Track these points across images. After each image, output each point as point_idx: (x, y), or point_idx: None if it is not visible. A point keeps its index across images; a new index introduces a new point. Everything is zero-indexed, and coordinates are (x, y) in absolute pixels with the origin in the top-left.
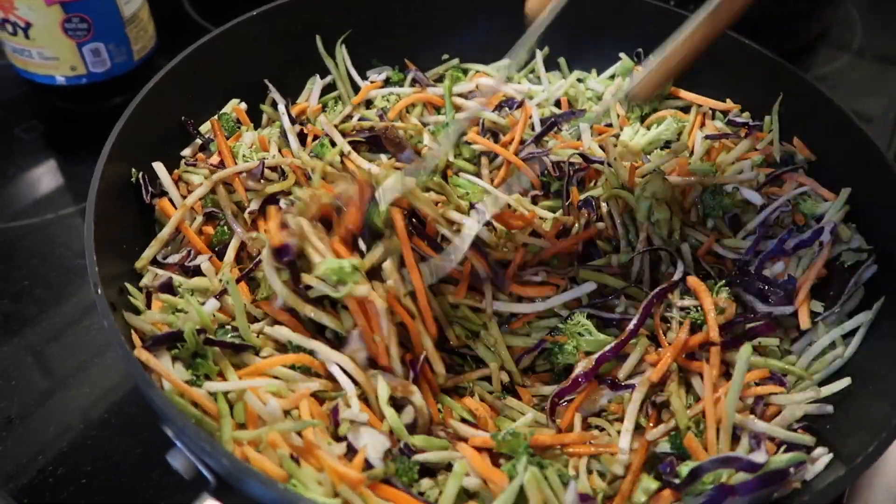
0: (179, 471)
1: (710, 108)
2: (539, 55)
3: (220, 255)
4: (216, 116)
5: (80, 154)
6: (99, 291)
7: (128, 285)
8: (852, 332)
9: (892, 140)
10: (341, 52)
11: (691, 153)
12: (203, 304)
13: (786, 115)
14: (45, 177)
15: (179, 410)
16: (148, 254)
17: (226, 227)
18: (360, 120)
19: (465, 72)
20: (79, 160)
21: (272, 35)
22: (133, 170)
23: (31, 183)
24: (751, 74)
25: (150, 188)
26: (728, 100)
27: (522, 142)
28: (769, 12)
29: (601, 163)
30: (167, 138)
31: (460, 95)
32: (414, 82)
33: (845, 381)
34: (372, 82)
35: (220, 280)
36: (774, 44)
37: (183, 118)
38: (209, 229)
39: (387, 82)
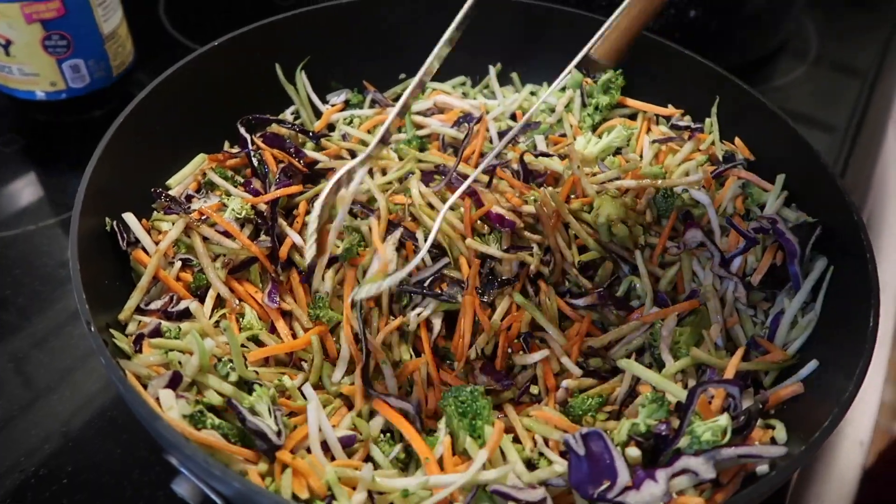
0: (186, 498)
1: (655, 114)
2: (492, 71)
3: (201, 300)
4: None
5: (60, 166)
6: (92, 329)
7: (112, 331)
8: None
9: (844, 146)
10: (301, 78)
11: (641, 157)
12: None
13: (723, 117)
14: (26, 189)
15: (186, 438)
16: (131, 304)
17: (202, 274)
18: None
19: (423, 90)
20: (59, 172)
21: (234, 65)
22: (107, 219)
23: (11, 195)
24: (689, 81)
25: (125, 236)
26: (670, 105)
27: (482, 155)
28: (729, 27)
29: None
30: (139, 187)
31: (419, 113)
32: (373, 103)
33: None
34: (332, 105)
35: (217, 323)
36: (734, 57)
37: (153, 189)
38: (186, 276)
39: (347, 104)
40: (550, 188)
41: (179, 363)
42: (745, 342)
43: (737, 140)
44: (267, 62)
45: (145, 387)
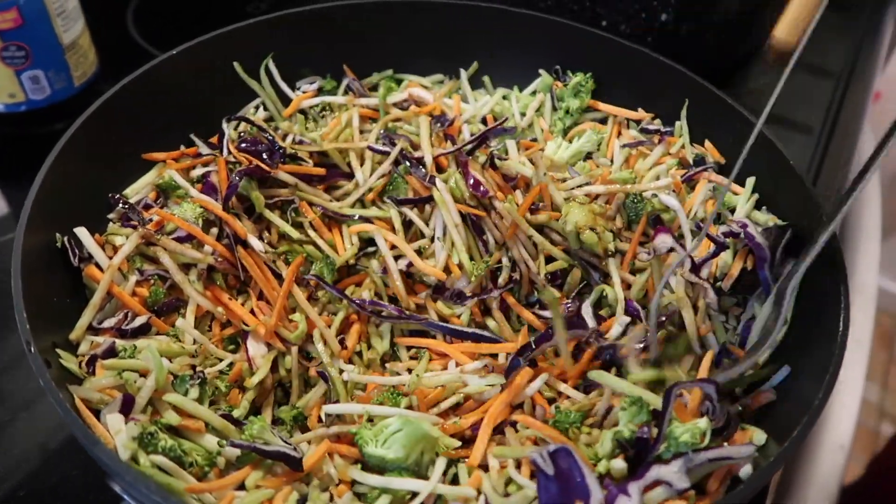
0: None
1: (626, 118)
2: (464, 74)
3: (158, 315)
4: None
5: (21, 179)
6: (32, 350)
7: (61, 352)
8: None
9: (819, 147)
10: (269, 68)
11: (612, 162)
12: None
13: (693, 120)
14: None
15: (128, 465)
16: (83, 322)
17: (159, 288)
18: (297, 142)
19: (399, 82)
20: (20, 186)
21: (193, 74)
22: (57, 235)
23: None
24: (659, 84)
25: (77, 251)
26: (640, 109)
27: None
28: (705, 34)
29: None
30: (91, 202)
31: (394, 105)
32: (347, 90)
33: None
34: (303, 92)
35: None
36: (710, 63)
37: (110, 195)
38: (142, 290)
39: (320, 92)
40: (507, 204)
41: (134, 383)
42: (717, 349)
43: (707, 143)
44: (228, 70)
45: (98, 412)
